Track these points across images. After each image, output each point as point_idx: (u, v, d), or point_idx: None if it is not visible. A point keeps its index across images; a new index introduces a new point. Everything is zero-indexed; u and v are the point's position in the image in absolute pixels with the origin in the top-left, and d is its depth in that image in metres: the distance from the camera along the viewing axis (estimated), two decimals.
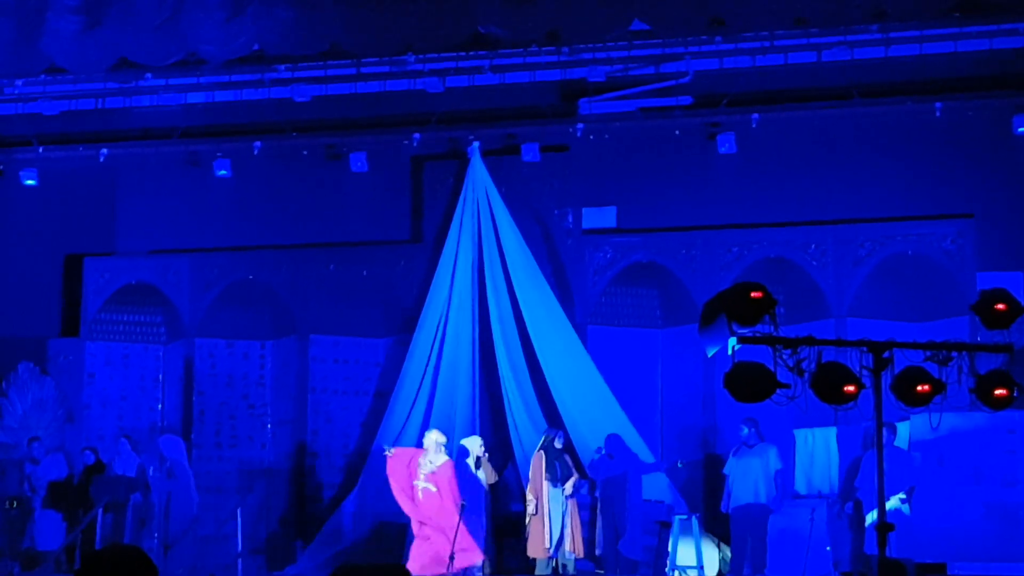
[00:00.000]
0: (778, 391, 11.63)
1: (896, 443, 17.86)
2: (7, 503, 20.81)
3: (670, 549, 18.49)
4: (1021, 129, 20.04)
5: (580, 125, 21.65)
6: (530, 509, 19.39)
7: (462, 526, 18.28)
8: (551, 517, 19.22)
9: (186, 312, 22.46)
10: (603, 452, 19.58)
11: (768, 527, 18.43)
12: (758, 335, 11.62)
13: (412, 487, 18.90)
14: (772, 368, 11.64)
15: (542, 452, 19.48)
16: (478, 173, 21.50)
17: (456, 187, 21.71)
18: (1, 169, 23.21)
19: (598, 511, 19.68)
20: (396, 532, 20.48)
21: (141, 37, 21.97)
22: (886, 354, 11.84)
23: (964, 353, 12.13)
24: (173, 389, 22.59)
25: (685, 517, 18.86)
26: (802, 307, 19.86)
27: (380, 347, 22.13)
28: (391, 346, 21.98)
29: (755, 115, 21.06)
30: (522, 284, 21.00)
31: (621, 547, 19.40)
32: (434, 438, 19.17)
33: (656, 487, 19.89)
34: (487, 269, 21.17)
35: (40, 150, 23.12)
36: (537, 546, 19.30)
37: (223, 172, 22.44)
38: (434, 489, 18.90)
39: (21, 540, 20.37)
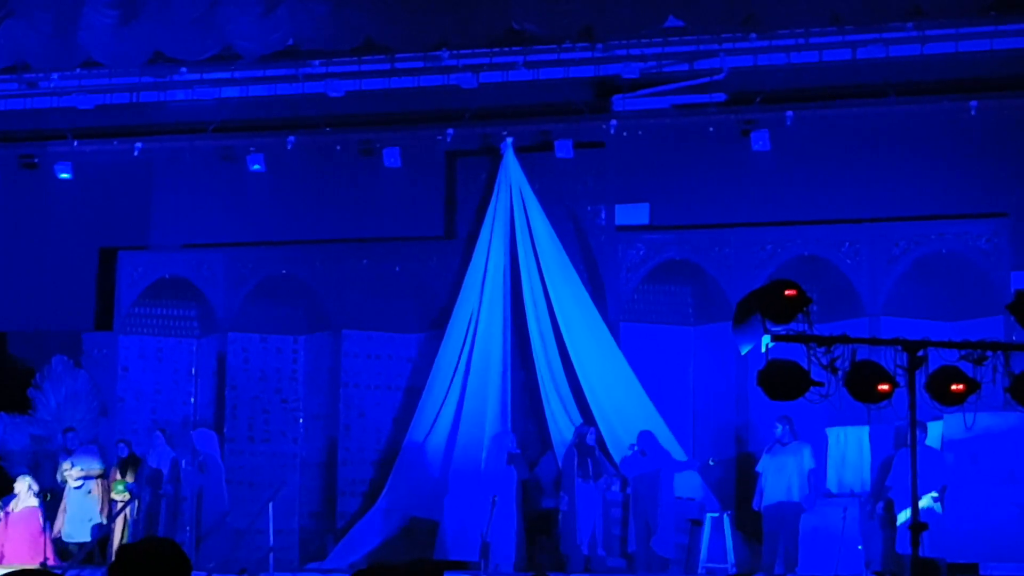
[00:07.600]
0: (812, 389, 11.62)
1: (928, 442, 17.80)
2: (41, 495, 20.87)
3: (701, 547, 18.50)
4: None
5: (614, 122, 21.62)
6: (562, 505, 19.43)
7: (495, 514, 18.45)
8: (583, 513, 19.22)
9: (220, 306, 22.49)
10: (636, 449, 19.56)
11: (800, 525, 18.38)
12: (792, 333, 11.62)
13: None
14: (806, 366, 11.63)
15: (573, 448, 19.50)
16: (511, 169, 21.48)
17: (489, 183, 21.70)
18: (36, 162, 23.28)
19: (630, 508, 19.67)
20: (427, 528, 20.52)
21: (176, 32, 22.04)
22: (920, 353, 11.82)
23: (999, 352, 12.09)
24: (206, 383, 22.63)
25: (717, 515, 18.84)
26: (836, 305, 19.79)
27: (412, 342, 22.13)
28: (423, 341, 21.98)
29: (789, 112, 21.00)
30: (555, 281, 20.99)
31: (653, 544, 19.38)
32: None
33: (688, 485, 19.86)
34: (521, 265, 21.16)
35: (75, 144, 23.18)
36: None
37: (257, 167, 22.48)
38: None
39: (53, 532, 20.43)
